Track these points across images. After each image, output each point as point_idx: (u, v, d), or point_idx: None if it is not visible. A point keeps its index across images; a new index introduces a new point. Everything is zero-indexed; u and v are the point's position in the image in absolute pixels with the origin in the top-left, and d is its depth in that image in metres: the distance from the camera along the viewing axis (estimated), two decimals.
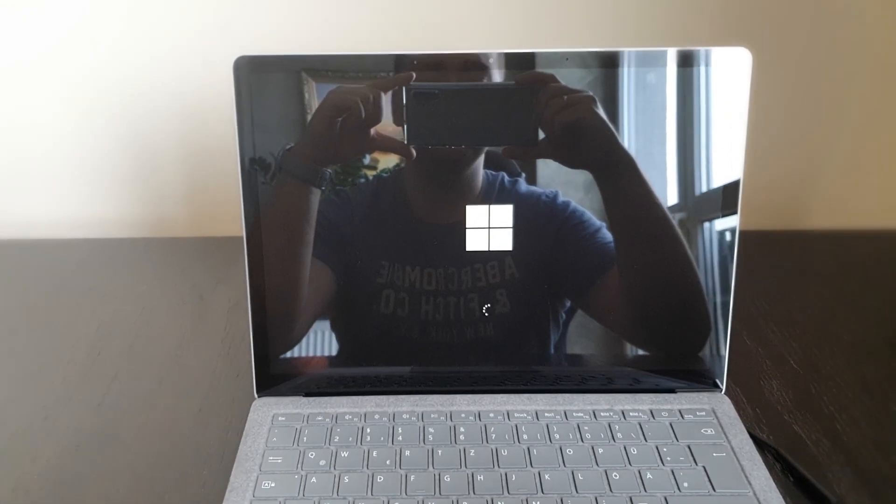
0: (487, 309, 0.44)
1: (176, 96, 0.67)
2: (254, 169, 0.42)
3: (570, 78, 0.41)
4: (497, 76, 0.41)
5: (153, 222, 0.74)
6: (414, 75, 0.41)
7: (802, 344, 0.53)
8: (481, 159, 0.42)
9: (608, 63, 0.41)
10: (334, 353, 0.45)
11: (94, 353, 0.53)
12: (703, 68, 0.41)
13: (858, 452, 0.43)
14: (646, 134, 0.42)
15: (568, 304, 0.45)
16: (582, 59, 0.41)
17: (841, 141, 0.71)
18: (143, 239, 0.72)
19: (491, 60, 0.41)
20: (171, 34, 0.65)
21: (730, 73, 0.41)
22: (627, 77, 0.41)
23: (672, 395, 0.45)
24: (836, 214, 0.74)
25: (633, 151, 0.42)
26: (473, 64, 0.41)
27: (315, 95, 0.41)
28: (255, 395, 0.45)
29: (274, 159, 0.42)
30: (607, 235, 0.43)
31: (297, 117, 0.42)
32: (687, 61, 0.41)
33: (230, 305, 0.59)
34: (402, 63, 0.41)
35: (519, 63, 0.41)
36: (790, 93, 0.68)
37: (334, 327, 0.45)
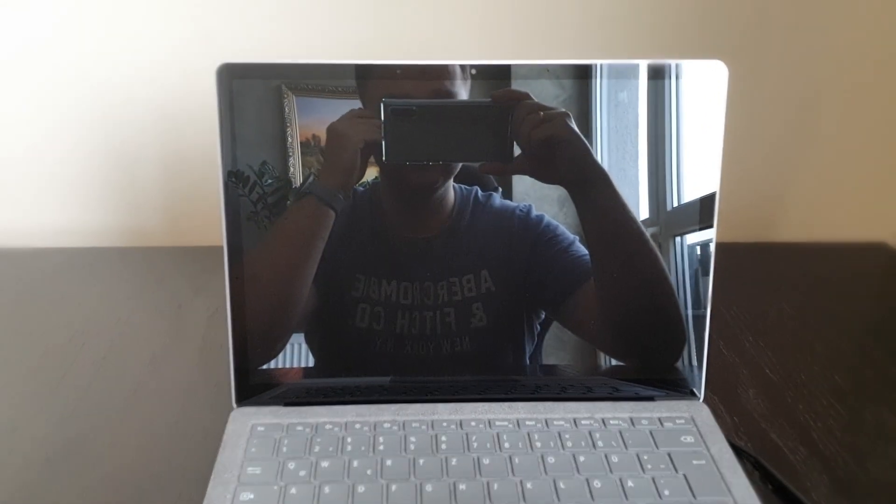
0: (463, 322, 0.44)
1: (155, 104, 0.67)
2: (235, 179, 0.42)
3: (545, 92, 0.42)
4: (475, 88, 0.42)
5: (130, 231, 0.73)
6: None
7: (778, 353, 0.54)
8: (454, 175, 0.43)
9: (582, 75, 0.42)
10: (313, 364, 0.45)
11: (67, 363, 0.52)
12: (680, 81, 0.42)
13: (834, 460, 0.44)
14: (621, 148, 0.43)
15: (543, 316, 0.45)
16: (557, 72, 0.42)
17: (814, 155, 0.72)
18: (120, 248, 0.71)
19: (465, 71, 0.41)
20: (151, 42, 0.65)
21: (706, 87, 0.42)
22: (602, 90, 0.42)
23: (651, 403, 0.45)
24: (810, 227, 0.76)
25: (608, 166, 0.42)
26: (449, 74, 0.41)
27: (294, 105, 0.42)
28: (234, 406, 0.44)
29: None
30: (581, 249, 0.44)
31: (281, 127, 0.42)
32: (663, 74, 0.42)
33: (209, 315, 0.58)
34: (385, 72, 0.41)
35: (496, 73, 0.42)
36: (763, 106, 0.70)
37: (311, 339, 0.45)
